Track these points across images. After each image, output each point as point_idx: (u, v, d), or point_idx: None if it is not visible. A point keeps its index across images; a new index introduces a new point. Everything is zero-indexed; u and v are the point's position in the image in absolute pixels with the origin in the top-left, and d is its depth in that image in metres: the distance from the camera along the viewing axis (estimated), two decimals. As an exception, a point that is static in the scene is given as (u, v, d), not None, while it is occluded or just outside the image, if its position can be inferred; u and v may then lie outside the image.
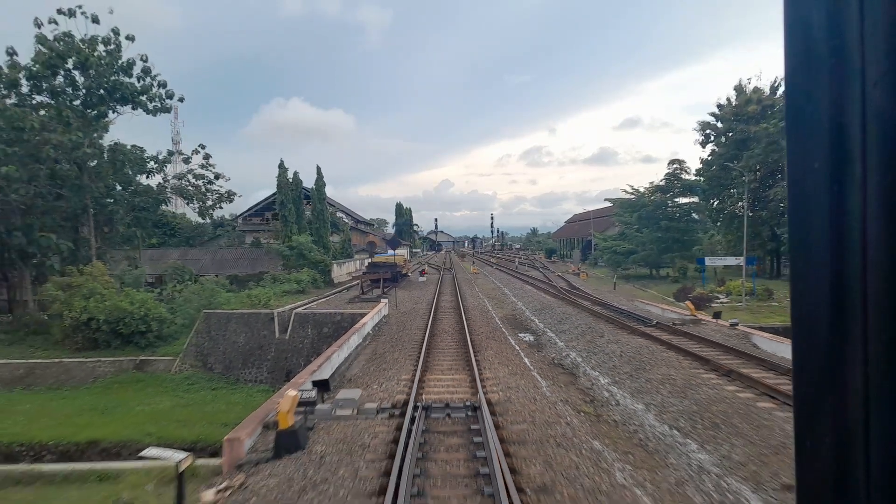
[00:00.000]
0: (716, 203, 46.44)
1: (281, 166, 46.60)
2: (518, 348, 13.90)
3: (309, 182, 48.18)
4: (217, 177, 34.44)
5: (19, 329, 26.64)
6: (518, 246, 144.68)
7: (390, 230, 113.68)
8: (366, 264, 32.66)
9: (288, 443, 6.80)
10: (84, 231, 30.07)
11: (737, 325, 15.07)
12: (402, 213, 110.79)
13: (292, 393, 6.92)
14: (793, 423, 0.64)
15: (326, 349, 13.20)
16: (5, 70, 26.26)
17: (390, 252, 31.55)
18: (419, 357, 11.77)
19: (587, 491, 5.61)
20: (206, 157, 34.16)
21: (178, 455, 5.98)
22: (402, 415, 7.61)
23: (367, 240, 68.55)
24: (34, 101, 27.13)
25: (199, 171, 33.64)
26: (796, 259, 0.62)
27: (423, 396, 8.84)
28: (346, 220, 69.60)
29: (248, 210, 67.47)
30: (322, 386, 8.40)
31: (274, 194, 61.69)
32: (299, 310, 23.36)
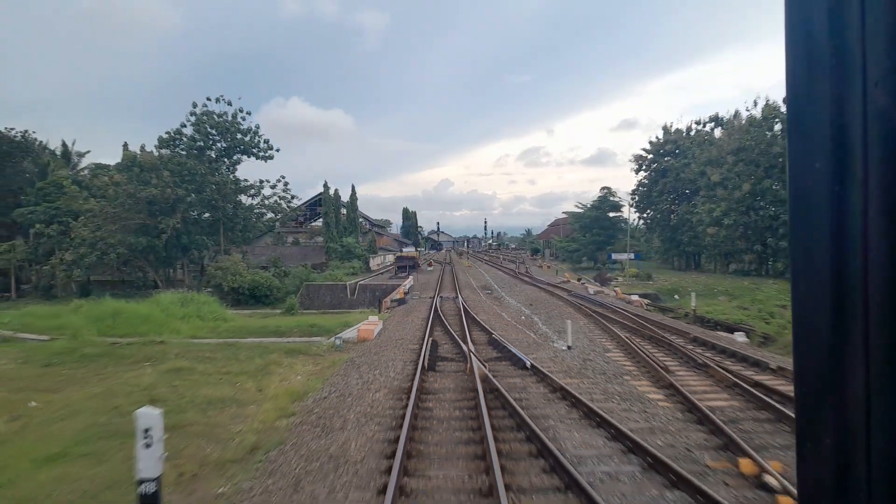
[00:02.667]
0: (649, 214, 63.41)
1: (325, 186, 63.31)
2: (480, 293, 30.54)
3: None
4: (292, 197, 51.29)
5: (183, 295, 43.31)
6: (514, 245, 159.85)
7: (394, 230, 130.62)
8: (395, 256, 49.45)
9: (401, 302, 23.54)
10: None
11: (584, 283, 31.74)
12: (409, 217, 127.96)
13: (403, 288, 23.70)
14: (794, 424, 0.65)
15: (394, 292, 29.85)
16: (175, 136, 43.04)
17: (411, 249, 48.32)
18: (435, 291, 28.48)
19: (485, 309, 22.36)
20: (286, 183, 50.92)
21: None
22: (433, 298, 24.33)
23: (381, 240, 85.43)
24: (192, 153, 43.84)
25: (283, 193, 50.44)
26: (797, 259, 0.62)
27: (439, 298, 25.52)
28: (366, 225, 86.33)
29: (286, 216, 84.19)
30: (408, 292, 25.20)
31: (305, 202, 78.76)
32: (361, 282, 40.01)
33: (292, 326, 17.05)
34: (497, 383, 8.83)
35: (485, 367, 10.06)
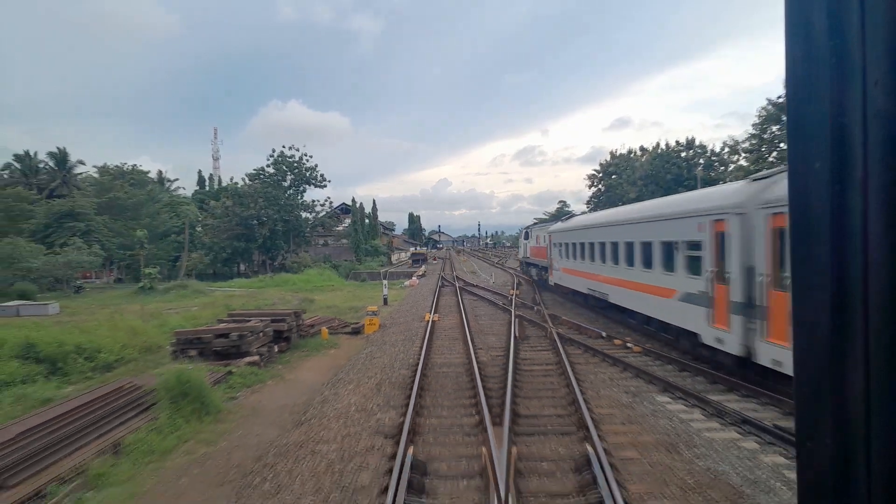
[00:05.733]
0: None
1: (353, 201, 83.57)
2: (469, 274, 50.64)
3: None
4: (337, 212, 71.39)
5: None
6: (508, 244, 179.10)
7: (396, 231, 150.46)
8: (411, 252, 69.95)
9: (423, 276, 43.71)
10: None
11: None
12: (413, 221, 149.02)
13: (423, 269, 43.97)
14: (795, 423, 0.65)
15: (415, 273, 50.06)
16: (260, 172, 63.23)
17: (420, 247, 68.64)
18: (440, 272, 48.66)
19: (468, 277, 42.65)
20: (332, 204, 70.92)
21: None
22: (440, 274, 44.54)
23: (394, 241, 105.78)
24: (272, 183, 63.91)
25: (329, 209, 70.47)
26: (797, 258, 0.62)
27: (443, 274, 45.68)
28: (381, 229, 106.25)
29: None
30: (425, 272, 45.49)
31: (334, 207, 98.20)
32: (390, 270, 60.20)
33: (376, 283, 37.16)
34: (465, 288, 29.23)
35: (461, 286, 30.44)
